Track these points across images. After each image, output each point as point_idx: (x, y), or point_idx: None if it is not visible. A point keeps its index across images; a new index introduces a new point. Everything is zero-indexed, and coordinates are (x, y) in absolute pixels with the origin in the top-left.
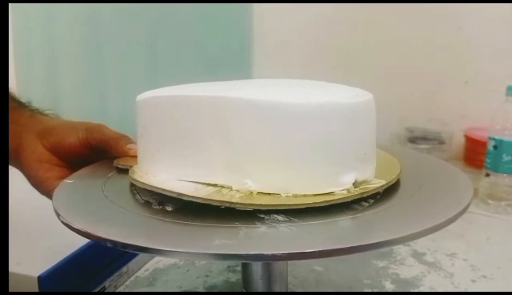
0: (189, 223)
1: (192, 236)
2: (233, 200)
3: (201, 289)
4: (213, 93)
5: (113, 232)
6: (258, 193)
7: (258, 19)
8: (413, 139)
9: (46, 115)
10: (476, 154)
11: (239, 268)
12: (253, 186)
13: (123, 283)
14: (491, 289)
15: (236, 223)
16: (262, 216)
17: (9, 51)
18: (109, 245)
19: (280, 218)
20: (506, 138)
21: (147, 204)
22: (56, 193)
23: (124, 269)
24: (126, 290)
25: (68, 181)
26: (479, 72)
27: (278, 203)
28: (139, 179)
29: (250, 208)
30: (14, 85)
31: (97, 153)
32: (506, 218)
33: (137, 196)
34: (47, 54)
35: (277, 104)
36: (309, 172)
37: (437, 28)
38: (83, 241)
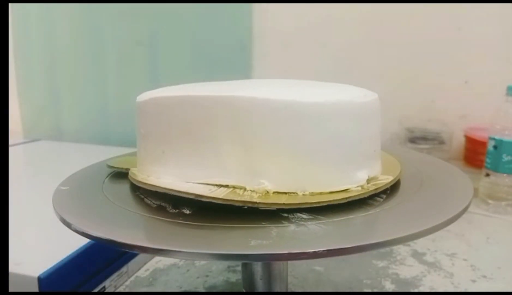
0: (215, 225)
1: (226, 238)
2: (254, 200)
3: (201, 289)
4: (226, 93)
5: (146, 240)
6: (274, 192)
7: (258, 19)
8: (413, 140)
9: None
10: (476, 154)
11: (239, 268)
12: (269, 185)
13: (123, 283)
14: (491, 289)
15: (263, 223)
16: (285, 215)
17: (9, 51)
18: (151, 253)
19: (304, 216)
20: (506, 138)
21: (161, 208)
22: (55, 200)
23: (124, 269)
24: (126, 290)
25: (63, 188)
26: (479, 72)
27: (300, 202)
28: (145, 181)
29: (273, 207)
30: (14, 85)
31: None
32: (506, 218)
33: (147, 199)
34: (47, 55)
35: (294, 103)
36: (325, 170)
37: (437, 28)
38: (83, 241)
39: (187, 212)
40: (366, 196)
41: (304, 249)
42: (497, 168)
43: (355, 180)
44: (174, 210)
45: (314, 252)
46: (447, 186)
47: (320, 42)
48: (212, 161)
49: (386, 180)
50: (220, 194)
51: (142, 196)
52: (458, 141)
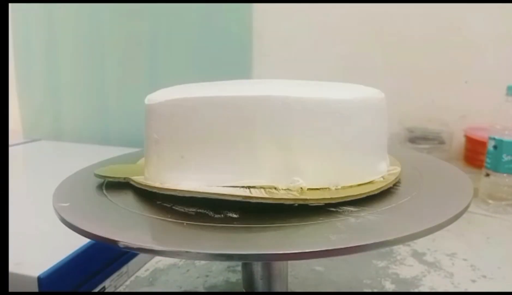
0: (279, 225)
1: (303, 236)
2: (302, 197)
3: (201, 289)
4: (259, 93)
5: (226, 248)
6: (308, 189)
7: (258, 19)
8: (413, 139)
9: None
10: (476, 154)
11: (239, 268)
12: (303, 182)
13: (123, 283)
14: (491, 289)
15: (320, 219)
16: (332, 209)
17: (9, 51)
18: (236, 259)
19: (352, 208)
20: (506, 138)
21: (201, 215)
22: (57, 189)
23: (124, 269)
24: (126, 290)
25: (64, 205)
26: (479, 72)
27: (344, 195)
28: (170, 187)
29: (322, 203)
30: (14, 85)
31: None
32: (506, 218)
33: (177, 207)
34: (47, 55)
35: (327, 101)
36: (354, 164)
37: (437, 28)
38: (83, 241)
39: (235, 215)
40: (391, 185)
41: (304, 249)
42: (497, 168)
43: (378, 171)
44: (218, 215)
45: (314, 252)
46: (447, 186)
47: (320, 43)
48: (243, 162)
49: (396, 169)
50: (257, 194)
51: (168, 204)
52: (458, 141)
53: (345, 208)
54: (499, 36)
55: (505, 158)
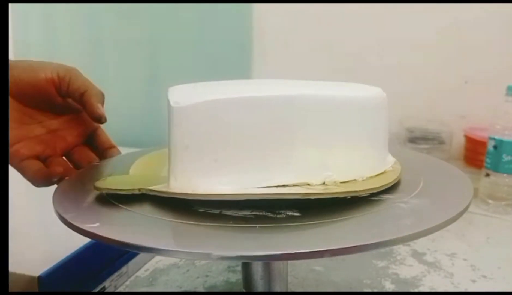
0: (343, 218)
1: (373, 226)
2: (351, 189)
3: (201, 289)
4: (284, 93)
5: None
6: (340, 182)
7: (258, 19)
8: (413, 139)
9: None
10: (476, 154)
11: (239, 268)
12: (335, 176)
13: (123, 283)
14: (491, 289)
15: (368, 208)
16: (375, 198)
17: (9, 51)
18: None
19: (391, 196)
20: (506, 138)
21: (259, 217)
22: (57, 189)
23: (124, 269)
24: (126, 290)
25: (65, 205)
26: (479, 72)
27: (380, 184)
28: (221, 192)
29: (368, 193)
30: None
31: (64, 100)
32: (506, 218)
33: (231, 211)
34: (47, 55)
35: (352, 99)
36: (375, 156)
37: (437, 28)
38: (83, 241)
39: (297, 214)
40: (399, 173)
41: (304, 249)
42: (497, 168)
43: (387, 162)
44: (280, 215)
45: (314, 252)
46: (447, 186)
47: (320, 43)
48: (276, 162)
49: (395, 161)
50: (300, 191)
51: (217, 211)
52: (458, 141)
53: (385, 196)
54: (499, 36)
55: (505, 158)
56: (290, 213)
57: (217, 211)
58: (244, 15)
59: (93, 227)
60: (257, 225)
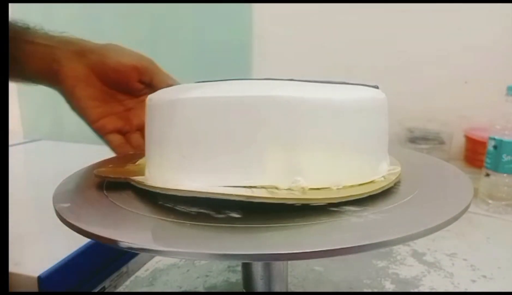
0: (281, 225)
1: (312, 234)
2: (304, 197)
3: (201, 289)
4: (257, 93)
5: (215, 251)
6: (310, 189)
7: (258, 19)
8: (413, 139)
9: (79, 38)
10: (476, 154)
11: (239, 268)
12: (305, 182)
13: (123, 283)
14: (491, 289)
15: (322, 219)
16: (334, 209)
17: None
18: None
19: (353, 208)
20: (506, 138)
21: (202, 215)
22: (57, 189)
23: (124, 269)
24: (126, 290)
25: (65, 205)
26: (479, 72)
27: (346, 195)
28: (172, 187)
29: (324, 202)
30: (14, 85)
31: (142, 84)
32: (506, 218)
33: (178, 207)
34: None
35: (329, 101)
36: (356, 164)
37: (437, 28)
38: (83, 241)
39: (237, 215)
40: (391, 185)
41: (305, 249)
42: (497, 168)
43: (379, 171)
44: (221, 215)
45: (314, 252)
46: (447, 186)
47: (320, 43)
48: (245, 162)
49: (397, 169)
50: (259, 194)
51: (169, 204)
52: (458, 141)
53: (347, 207)
54: (499, 36)
55: (505, 158)
56: (231, 214)
57: (170, 205)
58: (244, 15)
59: (93, 225)
60: (188, 222)
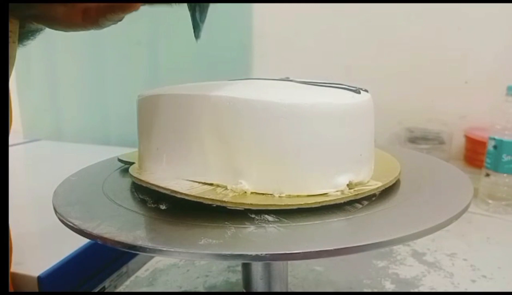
0: (180, 221)
1: (180, 235)
2: (225, 199)
3: (201, 289)
4: (207, 93)
5: (103, 229)
6: (251, 192)
7: (258, 19)
8: (413, 139)
9: None
10: (476, 154)
11: (239, 268)
12: (247, 185)
13: (123, 283)
14: (491, 289)
15: (226, 222)
16: (253, 216)
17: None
18: (100, 242)
19: (270, 218)
20: (506, 138)
21: (142, 202)
22: (57, 189)
23: (124, 269)
24: (126, 290)
25: (64, 205)
26: (479, 72)
27: (268, 203)
28: (137, 176)
29: (240, 207)
30: (14, 85)
31: None
32: (506, 218)
33: (135, 193)
34: (47, 54)
35: (271, 104)
36: (302, 173)
37: (437, 28)
38: (83, 241)
39: (163, 207)
40: (343, 201)
41: (305, 249)
42: (497, 168)
43: (335, 184)
44: (152, 205)
45: (314, 252)
46: (447, 186)
47: (320, 43)
48: (197, 159)
49: (373, 185)
50: (196, 191)
51: (133, 190)
52: (458, 141)
53: (265, 216)
54: (499, 36)
55: (505, 158)
56: (160, 206)
57: (132, 191)
58: (244, 15)
59: (93, 227)
60: (124, 206)
